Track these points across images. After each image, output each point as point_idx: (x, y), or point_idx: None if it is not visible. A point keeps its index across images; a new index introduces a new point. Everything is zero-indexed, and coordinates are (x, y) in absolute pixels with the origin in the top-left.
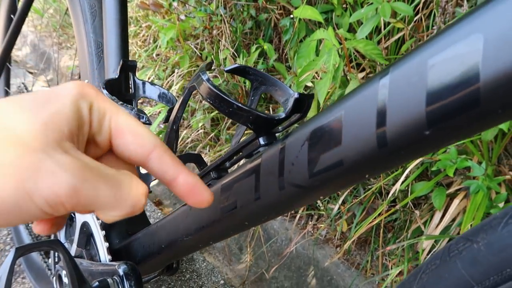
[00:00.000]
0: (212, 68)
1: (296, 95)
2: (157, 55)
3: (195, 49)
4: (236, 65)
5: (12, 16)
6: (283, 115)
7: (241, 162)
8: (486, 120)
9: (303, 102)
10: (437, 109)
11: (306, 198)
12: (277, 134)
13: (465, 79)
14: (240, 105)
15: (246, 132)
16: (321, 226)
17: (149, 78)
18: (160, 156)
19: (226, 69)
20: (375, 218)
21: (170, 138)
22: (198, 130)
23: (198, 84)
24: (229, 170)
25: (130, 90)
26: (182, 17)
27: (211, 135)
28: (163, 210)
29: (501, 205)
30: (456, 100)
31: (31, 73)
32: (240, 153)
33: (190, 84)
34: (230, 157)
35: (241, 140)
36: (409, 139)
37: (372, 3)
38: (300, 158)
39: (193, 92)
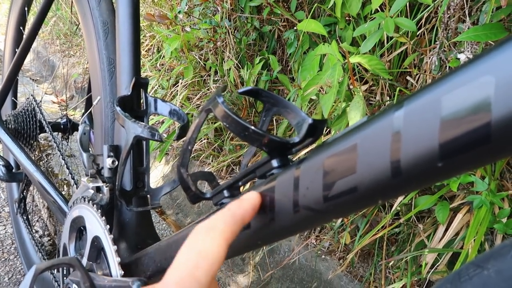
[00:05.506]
0: (216, 79)
1: (310, 121)
2: (161, 65)
3: (199, 59)
4: (250, 87)
5: (21, 28)
6: (297, 140)
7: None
8: (497, 155)
9: (317, 127)
10: (450, 143)
11: (320, 220)
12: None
13: (477, 118)
14: (255, 129)
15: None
16: (324, 238)
17: (152, 88)
18: None
19: (239, 91)
20: (378, 231)
21: (185, 159)
22: (202, 140)
23: (214, 107)
24: (241, 189)
25: (142, 106)
26: (188, 28)
27: (214, 145)
28: (166, 220)
29: (504, 220)
30: (468, 136)
31: (34, 80)
32: (253, 174)
33: (206, 107)
34: (243, 177)
35: (251, 159)
36: (422, 169)
37: (375, 18)
38: (315, 183)
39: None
